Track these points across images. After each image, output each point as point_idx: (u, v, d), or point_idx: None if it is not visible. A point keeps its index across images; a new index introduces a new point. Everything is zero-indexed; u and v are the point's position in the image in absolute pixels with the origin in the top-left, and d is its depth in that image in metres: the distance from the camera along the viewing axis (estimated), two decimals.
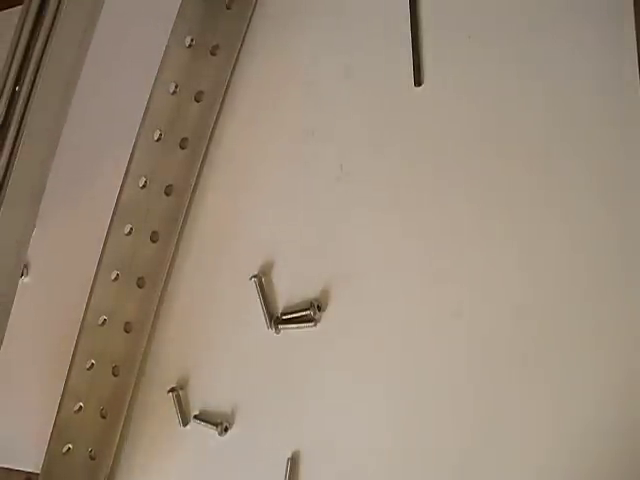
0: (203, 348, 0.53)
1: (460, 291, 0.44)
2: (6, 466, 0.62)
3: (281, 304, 0.51)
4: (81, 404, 0.56)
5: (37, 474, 0.58)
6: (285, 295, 0.51)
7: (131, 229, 0.56)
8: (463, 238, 0.44)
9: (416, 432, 0.44)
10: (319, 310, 0.48)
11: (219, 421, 0.51)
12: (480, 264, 0.44)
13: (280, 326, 0.50)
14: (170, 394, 0.53)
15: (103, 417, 0.55)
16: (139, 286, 0.56)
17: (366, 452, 0.46)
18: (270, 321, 0.50)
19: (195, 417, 0.53)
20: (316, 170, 0.50)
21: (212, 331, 0.53)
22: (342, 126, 0.50)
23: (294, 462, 0.48)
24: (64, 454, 0.56)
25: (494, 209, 0.44)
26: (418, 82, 0.47)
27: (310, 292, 0.49)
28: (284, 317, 0.50)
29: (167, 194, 0.56)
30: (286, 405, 0.49)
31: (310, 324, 0.48)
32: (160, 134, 0.55)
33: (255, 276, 0.51)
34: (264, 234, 0.52)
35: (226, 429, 0.51)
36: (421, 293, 0.45)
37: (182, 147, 0.55)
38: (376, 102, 0.49)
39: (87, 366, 0.55)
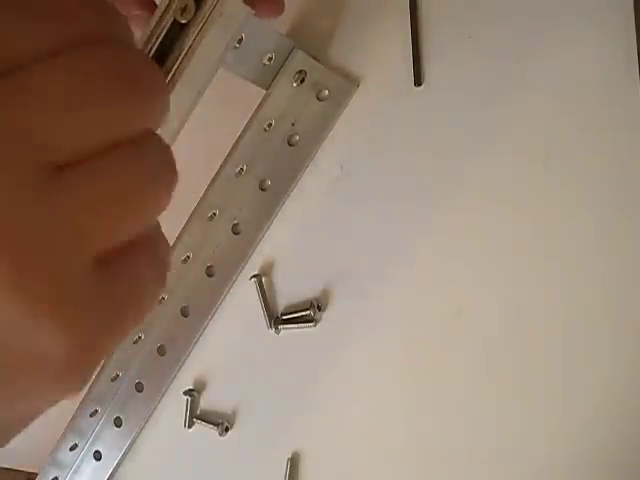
0: (204, 348, 0.53)
1: (460, 290, 0.44)
2: (6, 466, 0.63)
3: (281, 304, 0.51)
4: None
5: (37, 474, 0.59)
6: (285, 295, 0.51)
7: None
8: (463, 237, 0.44)
9: (416, 432, 0.44)
10: (319, 310, 0.48)
11: (220, 421, 0.51)
12: (480, 263, 0.44)
13: (280, 326, 0.50)
14: (186, 396, 0.54)
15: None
16: None
17: (366, 452, 0.46)
18: (270, 321, 0.50)
19: (196, 417, 0.53)
20: (316, 170, 0.51)
21: (212, 331, 0.53)
22: (342, 126, 0.50)
23: (294, 462, 0.48)
24: None
25: (495, 208, 0.44)
26: (418, 82, 0.47)
27: (310, 292, 0.49)
28: (284, 317, 0.50)
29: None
30: (286, 405, 0.49)
31: (310, 324, 0.48)
32: None
33: (255, 276, 0.51)
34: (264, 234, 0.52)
35: (227, 429, 0.51)
36: (421, 293, 0.45)
37: None
38: (376, 102, 0.49)
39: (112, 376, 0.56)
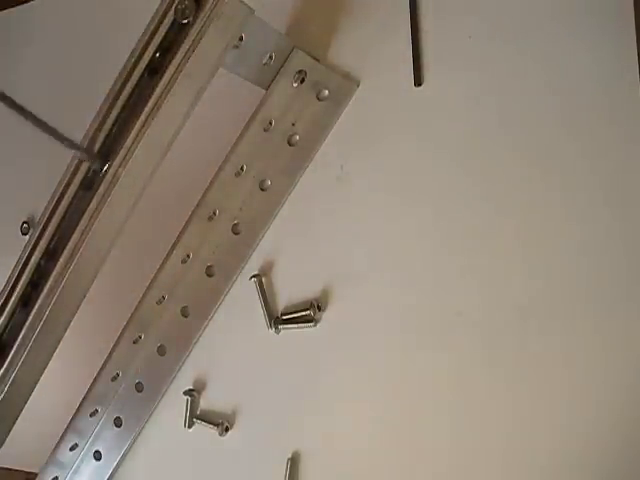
0: (204, 348, 0.53)
1: (461, 291, 0.44)
2: (6, 466, 0.62)
3: (281, 304, 0.51)
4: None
5: (36, 474, 0.58)
6: (285, 295, 0.51)
7: None
8: (463, 237, 0.44)
9: (416, 432, 0.44)
10: (319, 310, 0.48)
11: (220, 421, 0.51)
12: (480, 263, 0.44)
13: (280, 326, 0.50)
14: (186, 396, 0.54)
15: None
16: None
17: (366, 452, 0.46)
18: (270, 321, 0.50)
19: (196, 417, 0.53)
20: (316, 170, 0.50)
21: (212, 331, 0.53)
22: (342, 126, 0.50)
23: (294, 462, 0.48)
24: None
25: (495, 209, 0.44)
26: (418, 82, 0.47)
27: (310, 292, 0.49)
28: (284, 317, 0.50)
29: None
30: (286, 405, 0.49)
31: (310, 324, 0.48)
32: None
33: (255, 276, 0.51)
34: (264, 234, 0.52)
35: (227, 429, 0.51)
36: (421, 292, 0.45)
37: None
38: (376, 102, 0.49)
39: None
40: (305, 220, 0.51)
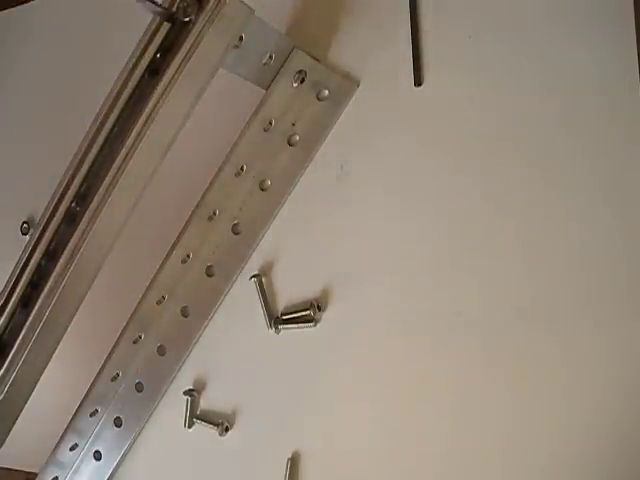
0: (204, 348, 0.53)
1: (460, 291, 0.44)
2: (6, 466, 0.62)
3: (281, 304, 0.51)
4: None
5: (36, 474, 0.58)
6: (285, 295, 0.51)
7: None
8: (463, 237, 0.44)
9: (416, 432, 0.44)
10: (319, 310, 0.48)
11: (220, 421, 0.51)
12: (480, 263, 0.44)
13: (280, 326, 0.50)
14: (186, 396, 0.54)
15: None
16: None
17: (366, 452, 0.46)
18: (270, 321, 0.50)
19: (196, 417, 0.53)
20: (316, 170, 0.50)
21: (212, 331, 0.53)
22: (342, 126, 0.50)
23: (294, 462, 0.48)
24: None
25: (495, 209, 0.44)
26: (418, 82, 0.47)
27: (310, 292, 0.49)
28: (284, 317, 0.50)
29: None
30: (286, 405, 0.49)
31: (310, 324, 0.48)
32: None
33: (255, 276, 0.51)
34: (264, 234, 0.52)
35: (227, 429, 0.51)
36: (421, 292, 0.45)
37: None
38: (376, 102, 0.49)
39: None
40: (305, 220, 0.51)
